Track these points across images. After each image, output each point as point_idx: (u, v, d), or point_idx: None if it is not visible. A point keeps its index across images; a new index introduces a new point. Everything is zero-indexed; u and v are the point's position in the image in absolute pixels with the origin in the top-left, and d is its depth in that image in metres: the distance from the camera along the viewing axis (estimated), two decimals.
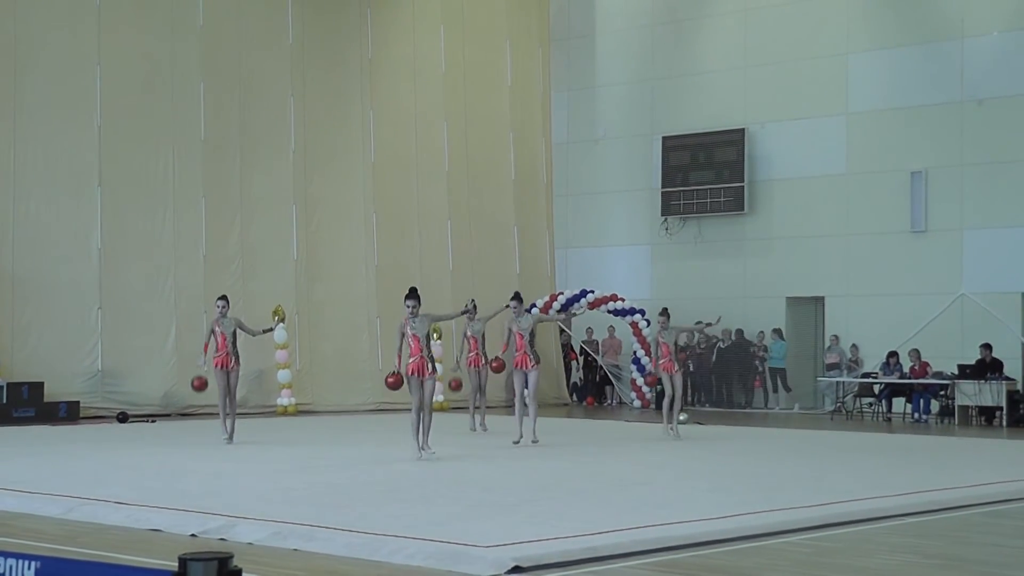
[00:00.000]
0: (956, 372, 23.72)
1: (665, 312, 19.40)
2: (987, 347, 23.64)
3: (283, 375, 24.36)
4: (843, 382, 25.88)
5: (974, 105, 25.71)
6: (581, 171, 31.22)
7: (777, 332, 27.49)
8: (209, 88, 24.50)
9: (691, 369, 28.30)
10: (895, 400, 24.97)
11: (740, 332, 27.86)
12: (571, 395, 29.82)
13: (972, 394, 23.24)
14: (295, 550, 8.66)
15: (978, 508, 11.43)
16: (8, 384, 21.22)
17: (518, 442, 16.95)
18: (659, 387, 27.01)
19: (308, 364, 25.23)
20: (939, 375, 24.13)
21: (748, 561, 8.50)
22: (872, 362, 25.73)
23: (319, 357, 25.48)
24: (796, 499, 11.38)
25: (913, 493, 11.98)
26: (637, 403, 28.09)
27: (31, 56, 22.50)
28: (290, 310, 24.79)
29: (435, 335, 24.79)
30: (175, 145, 24.02)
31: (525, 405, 17.11)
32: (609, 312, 28.40)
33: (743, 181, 28.34)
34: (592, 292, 28.28)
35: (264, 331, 19.35)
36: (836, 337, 26.73)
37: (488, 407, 20.56)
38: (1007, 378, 23.19)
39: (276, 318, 24.16)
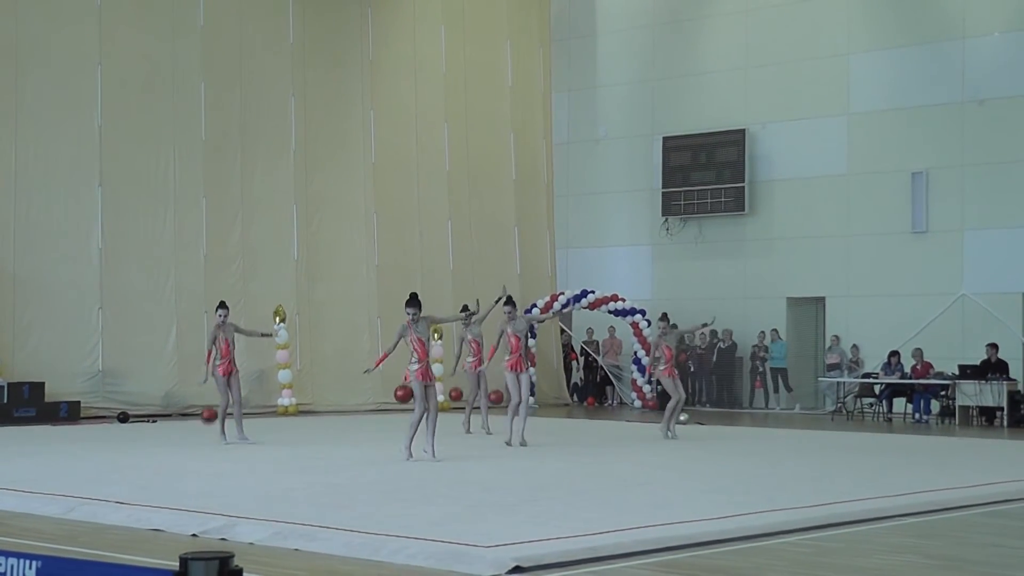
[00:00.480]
0: (957, 372, 23.72)
1: (665, 317, 19.46)
2: (993, 347, 23.65)
3: (284, 375, 24.35)
4: (844, 382, 25.88)
5: (975, 105, 25.71)
6: (582, 171, 31.22)
7: (775, 332, 27.50)
8: (210, 88, 24.49)
9: (691, 369, 28.32)
10: (896, 400, 24.97)
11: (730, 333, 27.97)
12: (572, 395, 29.82)
13: (973, 394, 23.24)
14: (296, 550, 8.67)
15: (979, 508, 11.43)
16: (9, 384, 21.22)
17: (510, 443, 16.94)
18: (659, 388, 27.07)
19: (309, 364, 25.23)
20: (940, 375, 24.13)
21: (749, 561, 8.50)
22: (873, 362, 25.73)
23: (320, 357, 25.48)
24: (796, 499, 11.38)
25: (914, 493, 11.98)
26: (638, 403, 28.09)
27: (32, 56, 22.50)
28: (291, 310, 24.79)
29: (435, 335, 24.81)
30: (176, 145, 24.02)
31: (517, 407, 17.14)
32: (610, 312, 28.40)
33: (744, 181, 28.34)
34: (593, 292, 28.29)
35: (262, 335, 19.33)
36: (837, 337, 26.73)
37: (490, 407, 20.51)
38: (1008, 378, 23.18)
39: (277, 318, 24.18)
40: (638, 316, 28.12)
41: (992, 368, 23.37)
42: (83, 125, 22.99)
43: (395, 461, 14.53)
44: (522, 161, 29.83)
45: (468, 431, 19.55)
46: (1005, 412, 22.96)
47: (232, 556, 5.28)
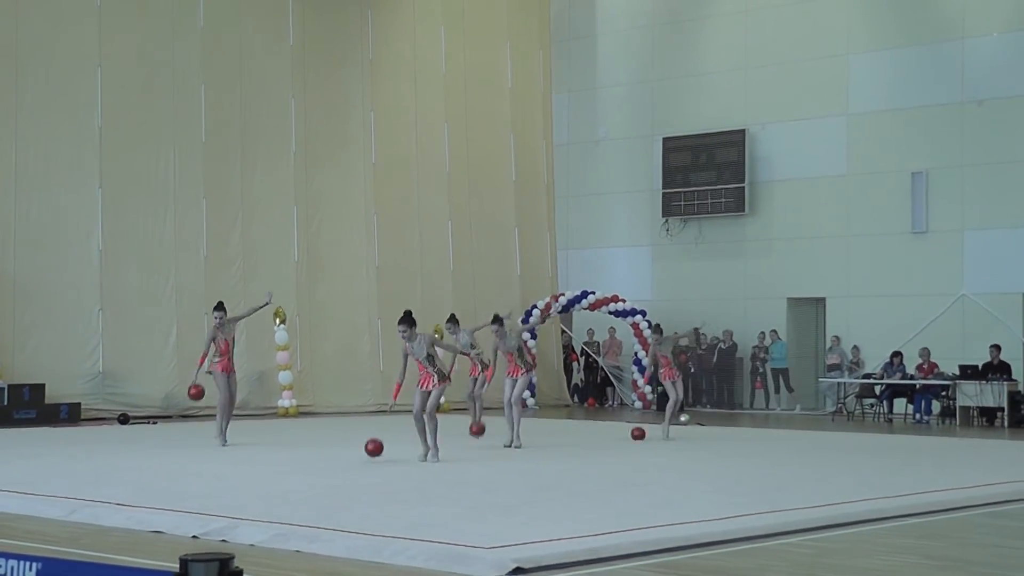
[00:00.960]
0: (957, 373, 23.71)
1: (658, 329, 19.51)
2: (996, 348, 23.65)
3: (284, 376, 24.36)
4: (844, 383, 25.87)
5: (974, 106, 25.71)
6: (582, 172, 31.23)
7: (775, 333, 27.51)
8: (210, 89, 24.50)
9: (692, 370, 28.33)
10: (896, 401, 24.96)
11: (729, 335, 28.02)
12: (572, 396, 29.82)
13: (973, 395, 23.24)
14: (297, 552, 8.66)
15: (980, 509, 11.43)
16: (9, 386, 21.22)
17: (508, 445, 16.96)
18: (660, 389, 27.04)
19: (309, 365, 25.23)
20: (940, 376, 24.13)
21: (749, 562, 8.50)
22: (873, 363, 25.73)
23: (320, 358, 25.48)
24: (797, 500, 11.38)
25: (914, 494, 11.98)
26: (638, 404, 28.09)
27: (32, 57, 22.50)
28: (291, 311, 24.80)
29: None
30: (176, 146, 24.02)
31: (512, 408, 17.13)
32: (610, 313, 28.41)
33: (744, 182, 28.35)
34: (593, 293, 28.29)
35: (256, 309, 18.64)
36: (837, 338, 26.73)
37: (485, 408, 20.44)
38: (1008, 379, 23.18)
39: (276, 319, 24.19)
40: (638, 317, 28.11)
41: (993, 369, 23.37)
42: (83, 126, 22.99)
43: (396, 462, 14.53)
44: (522, 162, 29.84)
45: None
46: (1005, 413, 22.95)
47: (232, 558, 5.28)
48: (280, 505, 10.65)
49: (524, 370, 17.37)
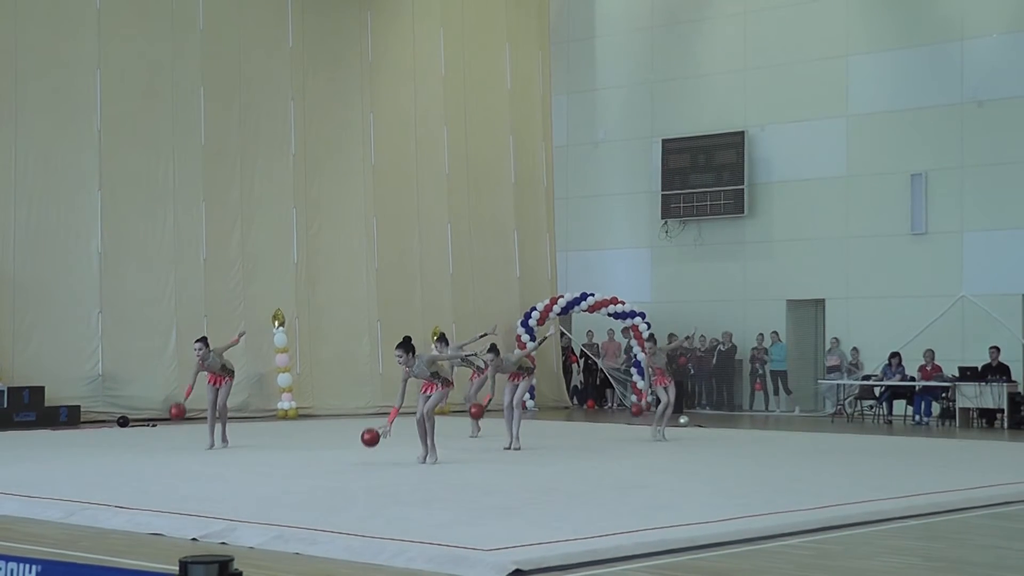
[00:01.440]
0: (957, 374, 23.71)
1: (652, 338, 19.52)
2: (996, 349, 23.65)
3: (283, 379, 24.35)
4: (844, 384, 25.87)
5: (974, 107, 25.71)
6: (581, 174, 31.22)
7: (775, 335, 27.50)
8: (209, 92, 24.50)
9: (691, 372, 28.32)
10: (896, 403, 24.95)
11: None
12: (571, 398, 29.81)
13: (973, 396, 23.24)
14: (296, 554, 8.66)
15: (980, 510, 11.43)
16: (9, 388, 21.21)
17: (508, 448, 16.93)
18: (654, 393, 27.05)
19: (309, 368, 25.22)
20: (940, 377, 24.13)
21: (749, 564, 8.49)
22: (873, 365, 25.73)
23: (319, 361, 25.46)
24: (797, 502, 11.37)
25: (915, 496, 11.98)
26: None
27: (31, 60, 22.50)
28: (290, 314, 24.79)
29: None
30: (175, 149, 24.02)
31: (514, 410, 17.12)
32: (609, 315, 28.40)
33: (743, 184, 28.35)
34: (592, 295, 28.29)
35: (238, 337, 17.93)
36: (837, 340, 26.72)
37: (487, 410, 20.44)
38: (1008, 380, 23.18)
39: (275, 322, 24.18)
40: (638, 319, 28.11)
41: (993, 370, 23.37)
42: (83, 129, 22.99)
43: (396, 465, 14.53)
44: (521, 164, 29.84)
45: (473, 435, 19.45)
46: (1005, 414, 22.95)
47: (232, 560, 5.28)
48: (279, 507, 10.65)
49: (524, 375, 17.37)
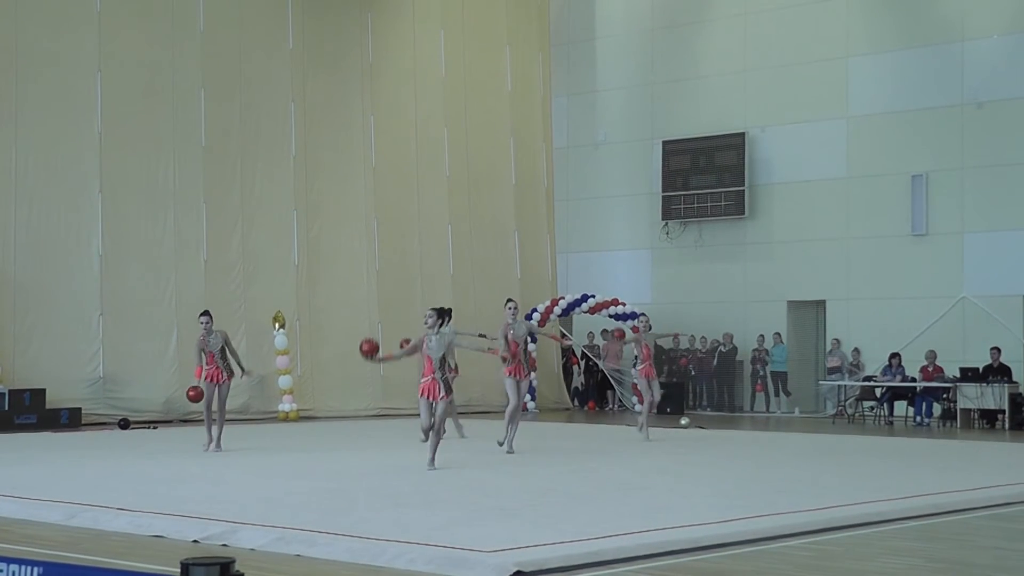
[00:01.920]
0: (958, 375, 23.71)
1: (644, 316, 19.44)
2: (997, 350, 23.64)
3: (284, 381, 24.35)
4: (844, 386, 25.86)
5: (974, 108, 25.72)
6: (582, 175, 31.23)
7: (777, 336, 27.50)
8: (209, 94, 24.50)
9: (692, 373, 28.31)
10: (897, 404, 24.95)
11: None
12: (572, 399, 29.81)
13: (974, 397, 23.23)
14: (297, 556, 8.66)
15: (981, 511, 11.43)
16: (10, 391, 21.20)
17: (501, 444, 16.74)
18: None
19: (309, 370, 25.22)
20: (941, 378, 24.13)
21: (750, 565, 8.49)
22: (873, 366, 25.73)
23: (320, 362, 25.47)
24: (798, 503, 11.37)
25: (916, 496, 11.97)
26: (638, 407, 28.04)
27: (32, 62, 22.51)
28: (291, 315, 24.80)
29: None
30: (176, 151, 24.03)
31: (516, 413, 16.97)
32: (610, 317, 28.39)
33: (744, 185, 28.35)
34: (593, 297, 28.29)
35: (243, 371, 17.27)
36: (837, 341, 26.72)
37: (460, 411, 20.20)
38: (1009, 381, 23.18)
39: (276, 324, 24.18)
40: (638, 320, 28.07)
41: (994, 371, 23.37)
42: (83, 131, 22.99)
43: (396, 466, 14.52)
44: (522, 165, 29.85)
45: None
46: (1006, 415, 22.95)
47: (233, 561, 5.28)
48: (280, 509, 10.65)
49: (527, 373, 17.22)
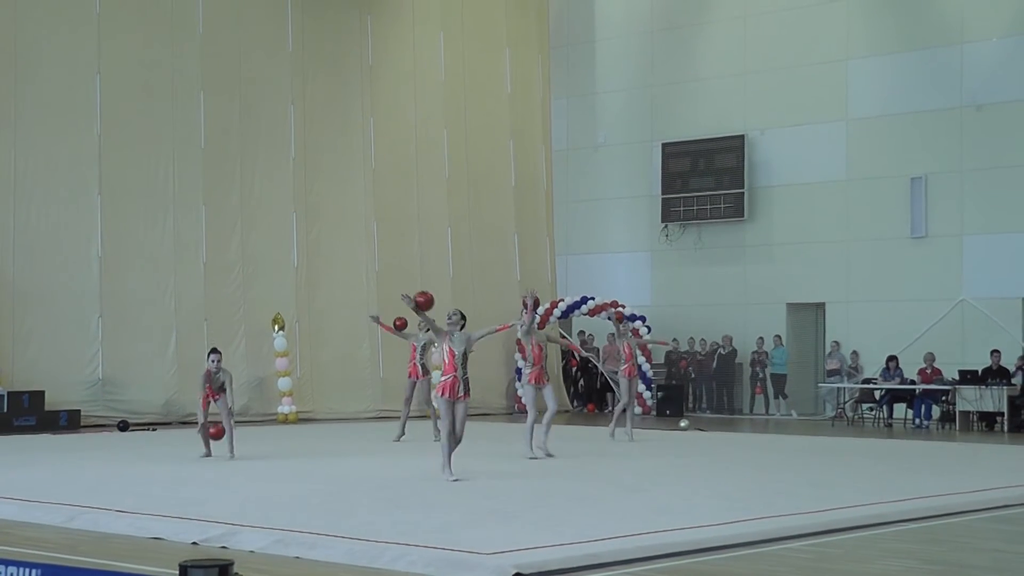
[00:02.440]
0: (957, 378, 23.72)
1: (633, 319, 19.34)
2: (996, 352, 23.65)
3: (284, 383, 24.34)
4: (844, 388, 25.86)
5: (973, 110, 25.73)
6: (581, 178, 31.23)
7: (777, 338, 27.49)
8: (209, 95, 24.50)
9: (692, 376, 28.31)
10: (896, 406, 24.95)
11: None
12: (572, 402, 29.80)
13: (973, 399, 23.23)
14: (297, 558, 8.66)
15: (980, 514, 11.43)
16: (9, 393, 21.19)
17: (539, 455, 16.35)
18: (661, 394, 27.06)
19: (309, 372, 25.21)
20: (940, 380, 24.13)
21: (749, 567, 8.49)
22: (873, 368, 25.72)
23: (320, 365, 25.46)
24: (797, 505, 11.37)
25: (915, 499, 11.97)
26: (638, 409, 28.02)
27: (31, 64, 22.51)
28: (290, 317, 24.79)
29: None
30: (175, 153, 24.02)
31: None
32: (609, 319, 28.36)
33: (743, 187, 28.35)
34: (592, 299, 28.28)
35: (230, 408, 16.45)
36: (837, 343, 26.72)
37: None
38: (1008, 383, 23.18)
39: (275, 326, 24.18)
40: (638, 322, 28.08)
41: (993, 374, 23.37)
42: (82, 133, 22.99)
43: (396, 468, 14.52)
44: (521, 168, 29.85)
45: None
46: (1005, 417, 22.95)
47: (231, 563, 5.28)
48: (280, 511, 10.64)
49: (549, 379, 17.12)
